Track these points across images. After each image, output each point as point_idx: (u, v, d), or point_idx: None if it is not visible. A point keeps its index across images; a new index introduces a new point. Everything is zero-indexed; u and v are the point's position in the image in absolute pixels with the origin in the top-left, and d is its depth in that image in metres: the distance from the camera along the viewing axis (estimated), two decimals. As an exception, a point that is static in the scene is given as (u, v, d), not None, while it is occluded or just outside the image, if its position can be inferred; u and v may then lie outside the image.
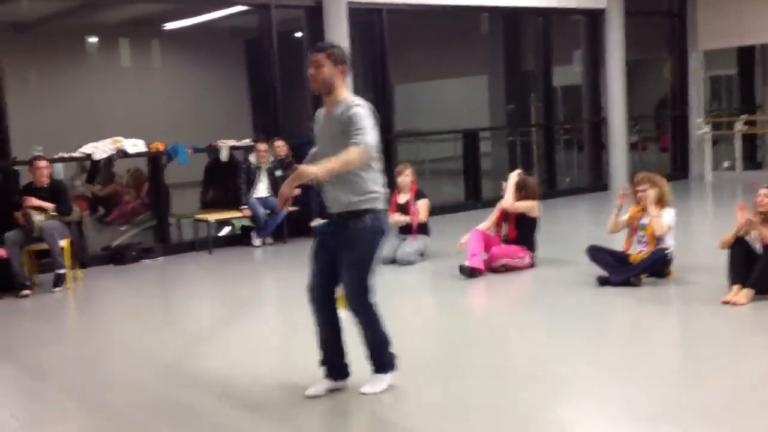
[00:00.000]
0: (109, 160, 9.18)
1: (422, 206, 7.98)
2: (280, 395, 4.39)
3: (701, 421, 3.80)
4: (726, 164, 14.19)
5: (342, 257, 4.10)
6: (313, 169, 3.86)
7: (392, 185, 8.32)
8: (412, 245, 7.87)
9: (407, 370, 4.63)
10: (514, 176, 7.34)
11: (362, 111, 3.98)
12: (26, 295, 7.34)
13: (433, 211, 8.70)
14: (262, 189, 9.59)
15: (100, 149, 8.92)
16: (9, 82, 8.50)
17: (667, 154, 15.05)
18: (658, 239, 6.36)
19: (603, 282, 6.39)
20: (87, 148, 8.94)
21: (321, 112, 4.23)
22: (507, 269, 7.20)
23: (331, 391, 4.29)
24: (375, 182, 4.12)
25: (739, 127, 13.75)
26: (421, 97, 17.13)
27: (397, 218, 7.97)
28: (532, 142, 13.96)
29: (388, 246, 7.95)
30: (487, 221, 7.47)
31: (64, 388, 4.88)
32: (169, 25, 15.04)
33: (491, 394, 4.27)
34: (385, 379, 4.27)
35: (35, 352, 5.65)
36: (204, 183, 10.57)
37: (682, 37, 14.15)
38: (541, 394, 4.25)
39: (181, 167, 9.50)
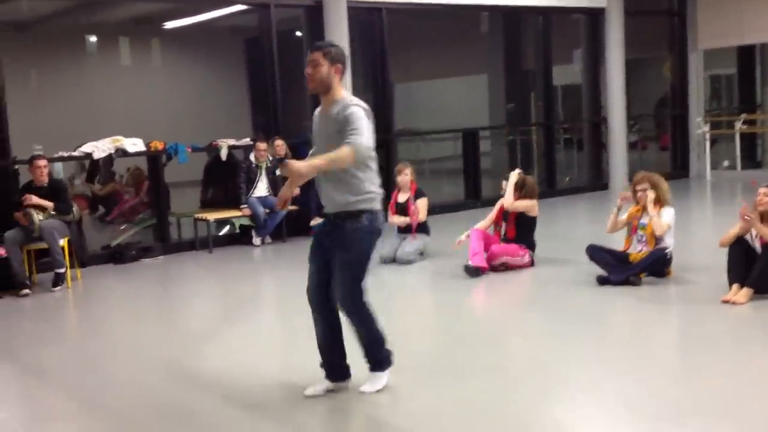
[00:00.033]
0: (108, 159, 9.19)
1: (421, 205, 7.98)
2: (279, 395, 4.39)
3: (701, 420, 3.81)
4: (726, 163, 14.19)
5: (336, 256, 4.09)
6: (301, 165, 3.86)
7: (392, 184, 8.33)
8: (411, 244, 7.87)
9: (407, 370, 4.63)
10: (514, 176, 7.34)
11: (359, 111, 3.97)
12: (26, 295, 7.34)
13: (433, 210, 8.71)
14: (261, 188, 9.59)
15: (99, 148, 8.92)
16: (9, 81, 8.49)
17: (667, 153, 15.05)
18: (658, 238, 6.36)
19: (602, 281, 6.39)
20: (87, 147, 8.93)
21: (318, 112, 4.22)
22: (507, 268, 7.21)
23: (330, 391, 4.29)
24: (372, 182, 4.12)
25: (739, 126, 13.76)
26: (420, 96, 17.11)
27: (397, 220, 7.98)
28: (532, 141, 13.96)
29: (388, 245, 7.99)
30: (485, 220, 7.48)
31: (63, 387, 4.88)
32: (169, 24, 15.04)
33: (490, 394, 4.27)
34: (383, 377, 4.27)
35: (35, 352, 5.65)
36: (204, 182, 10.57)
37: (682, 36, 14.15)
38: (541, 393, 4.25)
39: (181, 166, 9.50)
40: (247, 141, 9.96)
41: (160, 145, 9.32)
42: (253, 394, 4.45)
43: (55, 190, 7.73)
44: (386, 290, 7.18)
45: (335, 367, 4.30)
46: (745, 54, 15.31)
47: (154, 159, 9.47)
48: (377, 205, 4.13)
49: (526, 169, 12.61)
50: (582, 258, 6.67)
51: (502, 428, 3.86)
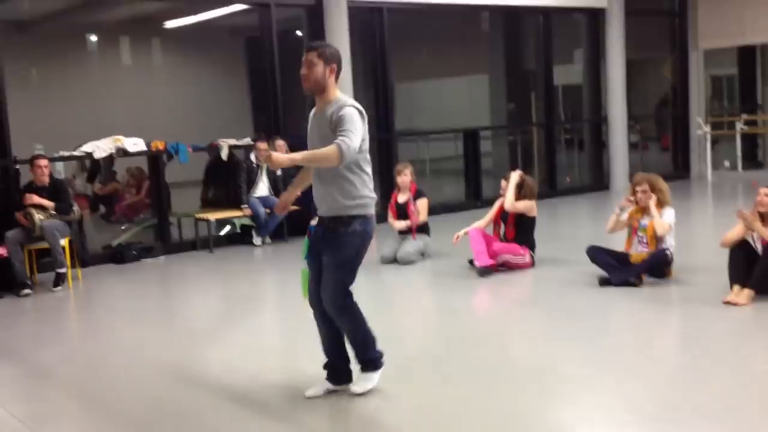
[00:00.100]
0: (109, 159, 9.19)
1: (422, 206, 7.98)
2: (280, 395, 4.39)
3: (702, 422, 3.81)
4: (727, 164, 14.19)
5: (325, 257, 4.09)
6: (281, 156, 3.86)
7: (392, 185, 8.33)
8: (412, 245, 7.87)
9: (407, 370, 4.64)
10: (515, 176, 7.34)
11: (353, 112, 3.95)
12: (27, 295, 7.34)
13: (434, 210, 8.71)
14: (262, 188, 9.59)
15: (100, 148, 8.92)
16: (9, 80, 8.48)
17: (667, 153, 15.05)
18: (659, 239, 6.36)
19: (604, 282, 6.39)
20: (87, 147, 8.93)
21: (313, 113, 4.19)
22: (508, 267, 7.21)
23: (331, 392, 4.28)
24: (366, 187, 4.10)
25: (740, 126, 13.75)
26: (421, 96, 17.10)
27: (398, 225, 7.98)
28: (533, 141, 13.95)
29: (388, 245, 8.00)
30: (483, 219, 7.48)
31: (64, 387, 4.88)
32: (170, 24, 15.02)
33: (491, 394, 4.27)
34: (373, 378, 4.26)
35: (36, 352, 5.65)
36: (204, 182, 10.58)
37: (682, 36, 14.15)
38: (541, 394, 4.25)
39: (182, 166, 9.50)
40: (247, 141, 9.96)
41: (161, 145, 9.32)
42: (254, 394, 4.45)
43: (56, 190, 7.73)
44: (387, 290, 7.19)
45: (337, 371, 4.30)
46: (746, 54, 15.31)
47: (155, 159, 9.47)
48: (371, 210, 4.13)
49: (527, 169, 12.64)
50: (583, 259, 6.67)
51: (504, 428, 3.86)
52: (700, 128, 13.88)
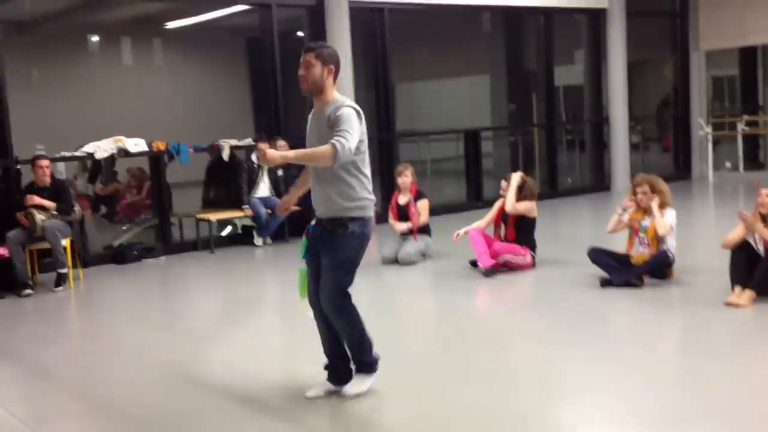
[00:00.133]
0: (111, 159, 9.19)
1: (423, 208, 7.97)
2: (280, 396, 4.39)
3: (703, 422, 3.80)
4: (728, 165, 14.18)
5: (323, 258, 4.10)
6: (274, 153, 3.88)
7: (393, 185, 8.33)
8: (413, 245, 7.87)
9: (408, 371, 4.64)
10: (516, 178, 7.33)
11: (351, 113, 3.94)
12: (28, 295, 7.34)
13: (435, 211, 8.71)
14: (263, 189, 9.60)
15: (101, 148, 8.92)
16: (10, 80, 8.49)
17: (669, 154, 15.04)
18: (660, 240, 6.36)
19: (605, 283, 6.39)
20: (89, 147, 8.93)
21: (311, 114, 4.19)
22: (509, 267, 7.21)
23: (332, 393, 4.28)
24: (365, 188, 4.09)
25: (741, 127, 13.74)
26: (422, 97, 17.10)
27: (399, 227, 7.98)
28: (534, 142, 13.95)
29: (389, 246, 8.00)
30: (483, 220, 7.49)
31: (65, 387, 4.88)
32: (171, 24, 15.03)
33: (491, 395, 4.27)
34: (367, 381, 4.26)
35: (37, 352, 5.65)
36: (206, 182, 10.58)
37: (683, 37, 14.15)
38: (542, 395, 4.25)
39: (183, 166, 9.51)
40: (248, 141, 9.96)
41: (162, 146, 9.33)
42: (254, 394, 4.45)
43: (57, 190, 7.73)
44: (388, 291, 7.19)
45: (338, 371, 4.30)
46: (747, 55, 15.30)
47: (156, 159, 9.47)
48: (370, 213, 4.12)
49: (528, 170, 12.63)
50: (584, 259, 6.66)
51: (504, 429, 3.86)
52: (702, 129, 13.87)
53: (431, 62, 16.51)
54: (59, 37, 15.01)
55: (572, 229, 10.24)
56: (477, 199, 11.84)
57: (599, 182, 13.42)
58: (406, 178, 8.02)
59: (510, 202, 7.24)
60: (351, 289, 4.15)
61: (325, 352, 4.31)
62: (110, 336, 6.06)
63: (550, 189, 12.84)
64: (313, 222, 4.23)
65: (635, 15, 13.24)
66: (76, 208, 8.00)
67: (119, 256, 8.87)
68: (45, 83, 15.06)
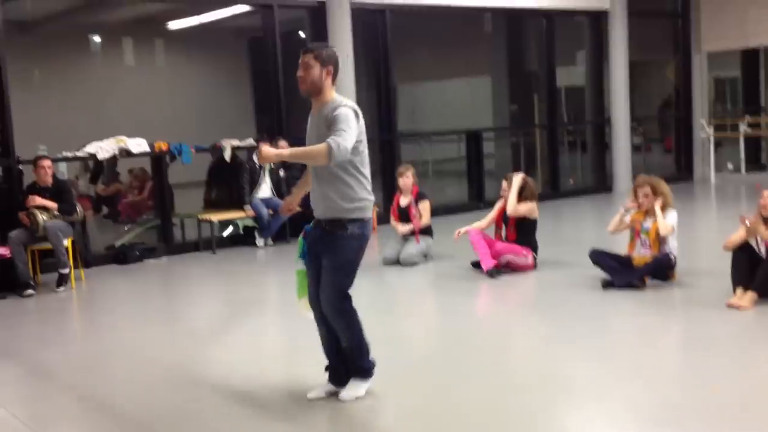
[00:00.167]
0: (113, 160, 9.19)
1: (424, 209, 7.96)
2: (282, 396, 4.39)
3: (705, 425, 3.80)
4: (730, 166, 14.17)
5: (324, 260, 4.10)
6: (270, 151, 3.90)
7: (395, 186, 8.32)
8: (415, 246, 7.87)
9: (409, 372, 4.64)
10: (517, 180, 7.32)
11: (348, 112, 3.93)
12: (30, 295, 7.35)
13: (436, 211, 8.70)
14: (265, 189, 9.60)
15: (103, 149, 8.93)
16: (12, 80, 8.49)
17: (671, 155, 15.03)
18: (662, 242, 6.35)
19: (606, 285, 6.39)
20: (91, 148, 8.94)
21: (310, 115, 4.19)
22: (510, 268, 7.20)
23: (333, 394, 4.29)
24: (364, 189, 4.09)
25: (743, 129, 13.73)
26: (424, 98, 17.10)
27: (401, 229, 7.97)
28: (536, 143, 13.95)
29: (391, 247, 7.99)
30: (483, 220, 7.49)
31: (66, 387, 4.88)
32: (173, 25, 15.04)
33: (493, 396, 4.27)
34: (363, 385, 4.25)
35: (38, 352, 5.66)
36: (207, 183, 10.58)
37: (685, 38, 14.14)
38: (544, 397, 4.24)
39: (185, 167, 9.51)
40: (250, 142, 9.97)
41: (164, 146, 9.33)
42: (255, 395, 4.45)
43: (59, 191, 7.73)
44: (389, 292, 7.19)
45: (338, 371, 4.30)
46: (749, 57, 15.27)
47: (158, 159, 9.47)
48: (369, 214, 4.12)
49: (529, 171, 12.63)
50: (586, 261, 6.66)
51: (506, 430, 3.86)
52: (704, 130, 13.86)
53: (433, 63, 16.51)
54: (61, 37, 15.02)
55: (574, 231, 10.24)
56: (478, 199, 11.84)
57: (601, 183, 13.41)
58: (407, 179, 8.01)
59: (511, 205, 7.23)
60: (352, 291, 4.16)
61: (325, 352, 4.31)
62: (111, 336, 6.07)
63: (552, 190, 12.84)
64: (311, 223, 4.23)
65: (637, 16, 13.23)
66: (78, 208, 8.00)
67: (121, 256, 8.87)
68: (47, 83, 15.08)
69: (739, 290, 5.70)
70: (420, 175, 8.37)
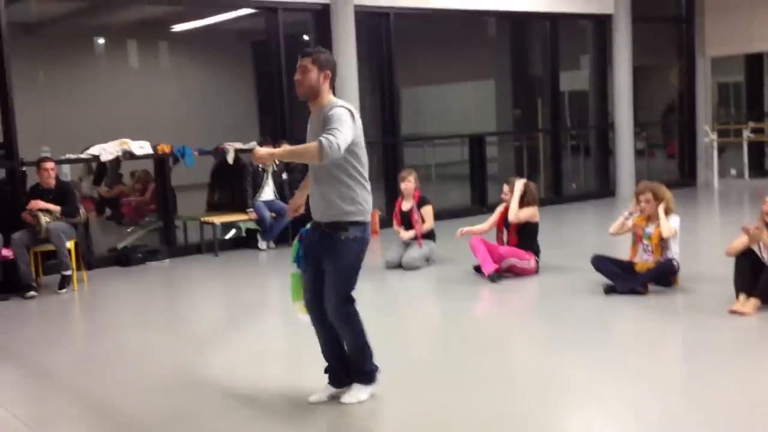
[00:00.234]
0: (116, 162, 9.20)
1: (427, 214, 7.95)
2: (283, 400, 4.39)
3: (707, 431, 3.79)
4: (733, 172, 14.15)
5: (326, 265, 4.10)
6: (263, 151, 3.93)
7: (398, 189, 8.32)
8: (417, 250, 7.86)
9: (410, 376, 4.63)
10: (519, 186, 7.31)
11: (342, 112, 3.93)
12: (32, 297, 7.35)
13: (439, 215, 8.70)
14: (268, 192, 9.60)
15: (107, 151, 8.94)
16: (17, 82, 8.51)
17: (674, 161, 15.02)
18: (664, 247, 6.34)
19: (609, 290, 6.37)
20: (94, 150, 8.95)
21: (309, 119, 4.20)
22: (513, 272, 7.20)
23: (335, 397, 4.28)
24: (365, 190, 4.09)
25: (747, 134, 13.72)
26: (427, 101, 17.11)
27: (405, 235, 7.95)
28: (539, 147, 13.95)
29: (393, 251, 7.99)
30: (485, 224, 7.49)
31: (68, 389, 4.88)
32: (177, 27, 15.07)
33: (494, 401, 4.26)
34: (365, 391, 4.25)
35: (40, 354, 5.66)
36: (210, 185, 10.60)
37: (689, 43, 14.13)
38: (545, 402, 4.24)
39: (188, 169, 9.52)
40: (253, 144, 9.96)
41: (167, 148, 9.34)
42: (257, 398, 4.45)
43: (62, 193, 7.74)
44: (391, 296, 7.18)
45: (338, 374, 4.30)
46: (753, 62, 15.28)
47: (161, 162, 9.48)
48: (368, 216, 4.12)
49: (532, 175, 12.62)
50: (588, 266, 6.65)
51: (508, 437, 3.85)
52: (707, 136, 13.85)
53: (436, 67, 16.52)
54: (66, 39, 15.06)
55: (577, 235, 10.22)
56: (481, 204, 11.83)
57: (604, 188, 13.40)
58: (409, 183, 8.00)
59: (513, 212, 7.22)
60: (354, 294, 4.15)
61: (324, 355, 4.31)
62: (113, 338, 6.07)
63: (555, 194, 12.83)
64: (308, 226, 4.22)
65: (641, 21, 13.22)
66: (81, 210, 8.01)
67: (123, 258, 8.88)
68: (51, 85, 15.12)
69: (742, 296, 5.69)
70: (423, 179, 8.38)
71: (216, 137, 10.60)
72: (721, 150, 14.20)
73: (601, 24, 13.17)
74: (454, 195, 13.18)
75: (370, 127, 11.15)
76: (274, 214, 9.41)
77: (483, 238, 7.32)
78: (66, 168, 10.04)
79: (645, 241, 6.45)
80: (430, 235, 8.04)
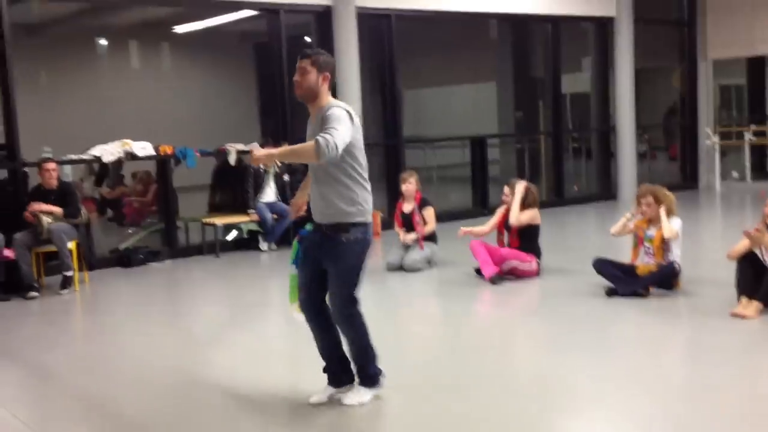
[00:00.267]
0: (117, 163, 9.21)
1: (429, 216, 7.95)
2: (284, 400, 4.39)
3: (709, 436, 3.79)
4: (735, 175, 14.14)
5: (329, 268, 4.09)
6: (261, 152, 3.94)
7: (399, 192, 8.31)
8: (419, 252, 7.86)
9: (410, 379, 4.62)
10: (520, 189, 7.30)
11: (340, 112, 3.92)
12: (34, 297, 7.36)
13: (440, 217, 8.69)
14: (269, 193, 9.60)
15: (108, 151, 8.94)
16: (19, 83, 8.52)
17: (676, 163, 15.01)
18: (666, 249, 6.33)
19: (611, 293, 6.37)
20: (95, 151, 8.96)
21: (308, 122, 4.19)
22: (515, 274, 7.19)
23: (335, 398, 4.28)
24: (365, 191, 4.08)
25: (749, 137, 13.71)
26: (429, 103, 17.12)
27: (408, 238, 7.93)
28: (541, 149, 13.95)
29: (395, 253, 7.98)
30: (485, 225, 7.49)
31: (68, 389, 4.89)
32: (179, 28, 15.09)
33: (494, 404, 4.25)
34: (367, 394, 4.24)
35: (41, 354, 5.66)
36: (212, 187, 10.60)
37: (691, 46, 14.13)
38: (546, 405, 4.23)
39: (189, 170, 9.52)
40: (255, 146, 9.97)
41: (169, 150, 9.34)
42: (258, 399, 4.45)
43: (64, 194, 7.74)
44: (392, 298, 7.18)
45: (337, 374, 4.30)
46: (755, 65, 15.28)
47: (163, 163, 9.49)
48: (369, 217, 4.12)
49: (534, 178, 12.62)
50: (590, 268, 6.64)
51: (509, 440, 3.85)
52: (709, 138, 13.84)
53: (438, 69, 16.53)
54: (68, 40, 15.08)
55: (578, 238, 10.22)
56: (483, 206, 11.82)
57: (605, 191, 13.39)
58: (410, 185, 7.99)
59: (514, 216, 7.21)
60: (358, 295, 4.15)
61: (322, 355, 4.31)
62: (114, 339, 6.07)
63: (556, 197, 12.82)
64: (308, 227, 4.21)
65: (643, 23, 13.22)
66: (83, 211, 8.01)
67: (125, 259, 8.88)
68: (53, 86, 15.14)
69: (744, 299, 5.68)
70: (424, 181, 8.37)
71: (217, 138, 10.60)
72: (723, 153, 14.19)
73: (603, 26, 13.16)
74: (455, 197, 13.18)
75: (371, 129, 11.16)
76: (275, 216, 9.41)
77: (483, 240, 7.33)
78: (67, 169, 10.04)
79: (646, 244, 6.45)
80: (431, 237, 8.04)
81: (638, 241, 6.52)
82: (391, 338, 5.44)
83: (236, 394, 4.56)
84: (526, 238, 7.29)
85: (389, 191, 10.89)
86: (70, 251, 7.55)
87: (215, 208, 10.34)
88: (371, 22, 10.95)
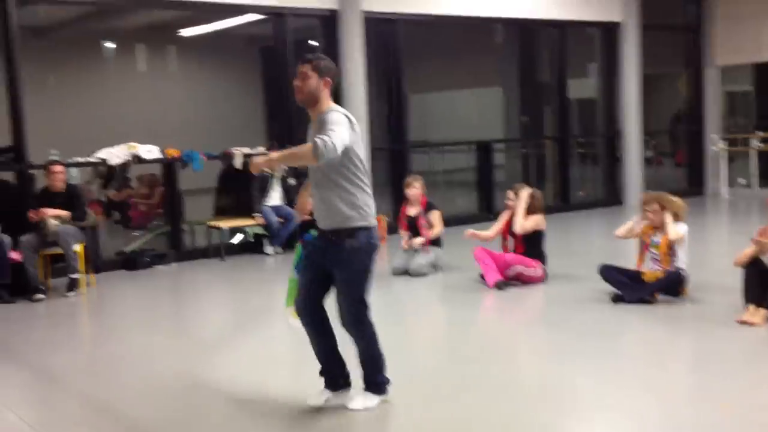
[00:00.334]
0: (124, 166, 9.23)
1: (436, 219, 7.94)
2: (288, 404, 4.38)
3: (716, 444, 3.77)
4: (742, 181, 14.10)
5: (335, 275, 4.09)
6: (260, 158, 3.96)
7: (403, 197, 8.31)
8: (424, 257, 7.85)
9: (415, 384, 4.61)
10: (524, 196, 7.28)
11: (338, 115, 3.92)
12: (40, 299, 7.37)
13: (446, 222, 8.68)
14: (275, 197, 9.61)
15: (115, 154, 8.96)
16: (26, 86, 8.55)
17: (682, 169, 14.97)
18: (672, 255, 6.31)
19: (617, 299, 6.35)
20: (102, 154, 8.98)
21: (309, 126, 4.20)
22: (520, 280, 7.18)
23: (330, 400, 4.28)
24: (366, 194, 4.08)
25: (756, 144, 13.67)
26: (435, 108, 17.11)
27: (414, 242, 7.90)
28: (546, 155, 13.93)
29: (400, 257, 7.98)
30: (490, 230, 7.48)
31: (74, 392, 4.89)
32: (185, 32, 15.11)
33: (499, 410, 4.24)
34: (373, 400, 4.23)
35: (47, 356, 5.67)
36: (218, 190, 10.61)
37: (698, 51, 14.10)
38: (551, 411, 4.21)
39: (195, 173, 9.54)
40: (261, 149, 9.98)
41: (175, 153, 9.36)
42: (262, 403, 4.45)
43: (71, 196, 7.76)
44: (398, 303, 7.17)
45: (334, 377, 4.30)
46: (763, 71, 15.23)
47: (169, 166, 9.50)
48: (373, 221, 4.11)
49: (540, 183, 12.60)
50: (596, 274, 6.63)
51: (515, 447, 3.83)
52: (716, 145, 13.80)
53: (444, 73, 16.53)
54: (75, 43, 15.13)
55: (584, 244, 10.20)
56: (488, 211, 11.82)
57: (612, 196, 13.37)
58: (415, 189, 7.99)
59: (518, 224, 7.20)
60: (368, 301, 4.13)
61: (318, 359, 4.31)
62: (120, 342, 6.07)
63: (562, 202, 12.80)
64: (312, 232, 4.21)
65: (649, 29, 13.20)
66: (90, 213, 8.01)
67: (131, 262, 8.90)
68: (60, 89, 15.17)
69: (751, 307, 5.66)
70: (430, 186, 8.36)
71: (223, 142, 10.61)
72: (730, 159, 14.15)
73: (610, 32, 13.15)
74: (461, 202, 13.17)
75: (377, 133, 11.16)
76: (281, 219, 9.41)
77: (487, 246, 7.31)
78: (74, 171, 10.05)
79: (653, 250, 6.43)
80: (436, 242, 8.03)
81: (644, 246, 6.50)
82: (396, 343, 5.42)
83: (240, 398, 4.56)
84: (531, 244, 7.28)
85: (395, 196, 10.89)
86: (77, 254, 7.56)
87: (221, 212, 10.36)
88: (377, 27, 10.96)
